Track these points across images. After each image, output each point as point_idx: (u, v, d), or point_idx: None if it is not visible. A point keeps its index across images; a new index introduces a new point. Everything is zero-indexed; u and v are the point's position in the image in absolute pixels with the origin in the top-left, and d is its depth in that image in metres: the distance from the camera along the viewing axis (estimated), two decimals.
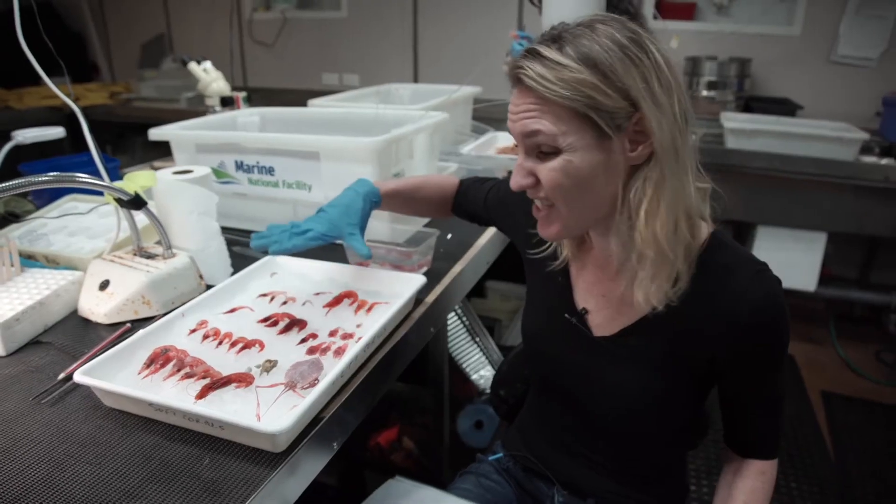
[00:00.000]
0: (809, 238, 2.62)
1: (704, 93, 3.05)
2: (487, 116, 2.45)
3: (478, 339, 1.96)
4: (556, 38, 0.76)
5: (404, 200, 1.20)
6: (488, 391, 1.86)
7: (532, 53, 0.77)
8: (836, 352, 2.95)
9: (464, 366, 1.93)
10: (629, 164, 0.79)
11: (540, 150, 0.79)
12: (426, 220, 1.55)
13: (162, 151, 1.99)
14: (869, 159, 2.47)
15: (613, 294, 0.92)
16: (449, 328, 1.89)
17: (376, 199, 1.12)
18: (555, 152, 0.78)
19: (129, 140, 3.83)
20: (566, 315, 0.98)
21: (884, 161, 2.45)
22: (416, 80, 4.01)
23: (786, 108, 2.97)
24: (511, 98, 0.82)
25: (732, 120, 2.68)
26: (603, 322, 0.94)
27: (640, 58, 0.74)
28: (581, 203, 0.81)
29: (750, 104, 3.09)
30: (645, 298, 0.82)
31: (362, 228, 1.08)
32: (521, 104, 0.79)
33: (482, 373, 1.95)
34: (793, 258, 2.66)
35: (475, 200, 1.20)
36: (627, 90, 0.74)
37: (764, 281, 0.82)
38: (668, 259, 0.80)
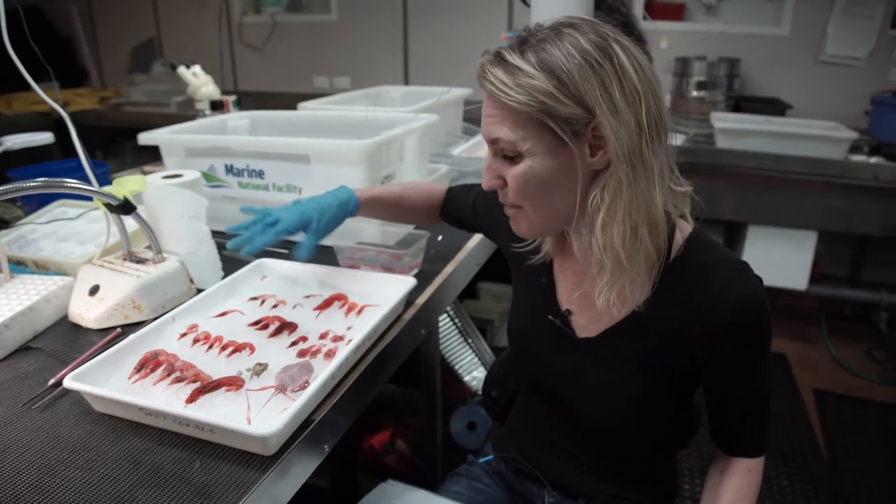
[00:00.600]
0: (800, 237, 2.63)
1: (694, 93, 3.07)
2: (478, 118, 2.44)
3: (470, 341, 1.96)
4: (522, 42, 0.77)
5: (387, 207, 1.20)
6: (481, 392, 1.86)
7: (497, 58, 0.77)
8: (827, 350, 2.97)
9: (456, 367, 1.93)
10: (590, 168, 0.78)
11: (504, 153, 0.80)
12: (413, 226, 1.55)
13: (152, 155, 1.98)
14: (858, 158, 2.48)
15: (594, 294, 0.92)
16: (441, 330, 1.89)
17: (352, 208, 1.14)
18: (517, 156, 0.79)
19: (119, 144, 3.82)
20: (550, 316, 0.98)
21: (873, 160, 2.46)
22: (406, 82, 4.01)
23: (775, 107, 2.98)
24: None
25: (722, 120, 2.69)
26: (586, 323, 0.95)
27: (600, 63, 0.73)
28: (543, 206, 0.82)
29: (740, 104, 3.10)
30: (605, 305, 0.83)
31: (324, 232, 1.10)
32: (486, 108, 0.80)
33: (475, 374, 1.95)
34: (784, 257, 2.67)
35: (463, 206, 1.20)
36: (582, 97, 0.73)
37: (744, 280, 0.82)
38: (625, 267, 0.80)
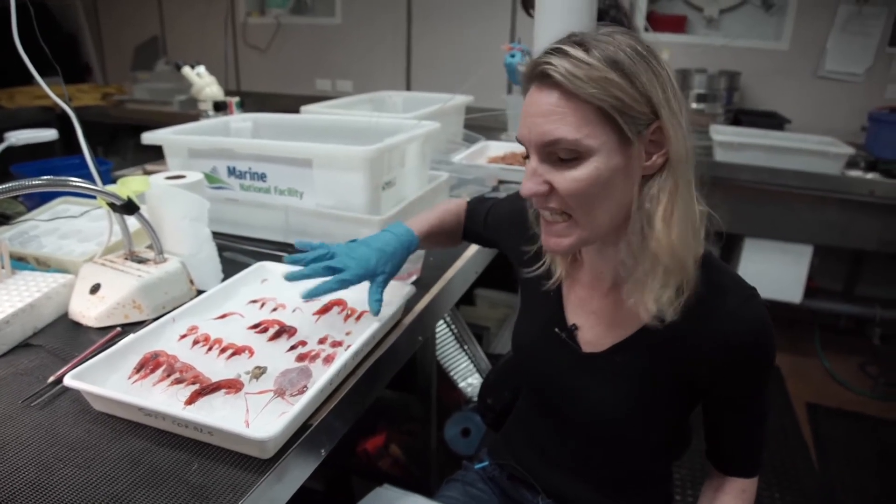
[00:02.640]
0: (796, 250, 2.65)
1: (694, 105, 3.09)
2: (479, 125, 2.47)
3: (466, 347, 1.97)
4: (580, 41, 0.75)
5: (435, 237, 1.16)
6: (476, 399, 1.87)
7: (558, 52, 0.75)
8: (821, 363, 2.98)
9: (451, 373, 1.94)
10: (643, 173, 0.78)
11: (558, 156, 0.77)
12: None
13: (154, 154, 1.99)
14: (854, 173, 2.50)
15: (604, 311, 0.93)
16: (437, 336, 1.90)
17: (414, 244, 1.07)
18: (574, 158, 0.76)
19: (121, 142, 3.82)
20: (556, 329, 0.98)
21: (869, 175, 2.48)
22: (408, 88, 4.02)
23: (774, 121, 3.00)
24: (527, 99, 0.79)
25: (721, 133, 2.71)
26: (593, 339, 0.94)
27: (658, 70, 0.75)
28: (599, 211, 0.79)
29: (739, 117, 3.12)
30: (657, 306, 0.80)
31: (390, 276, 1.03)
32: (544, 103, 0.76)
33: (470, 380, 1.96)
34: (779, 270, 2.68)
35: (477, 221, 1.18)
36: (650, 97, 0.74)
37: (754, 306, 0.83)
38: (681, 267, 0.79)
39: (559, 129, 0.75)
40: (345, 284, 0.97)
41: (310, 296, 0.96)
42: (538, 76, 0.77)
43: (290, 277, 0.97)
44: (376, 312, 0.99)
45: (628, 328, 0.89)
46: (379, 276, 1.01)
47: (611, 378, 0.92)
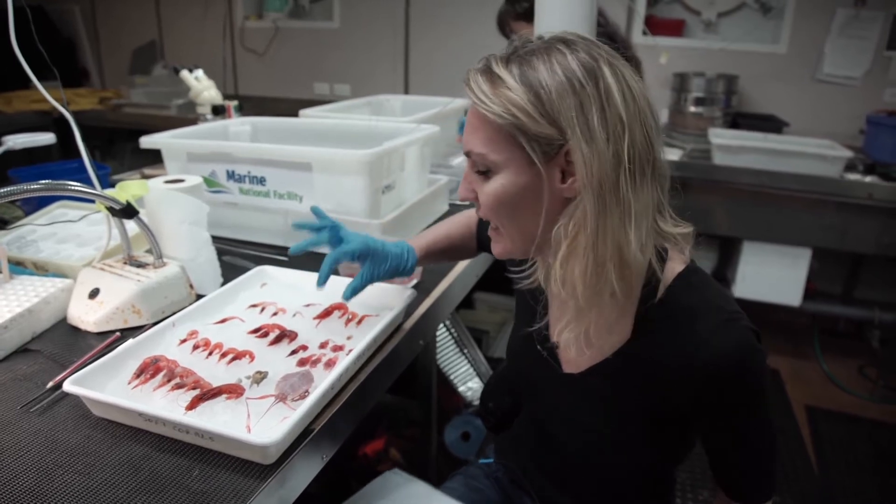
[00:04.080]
0: (795, 253, 2.65)
1: (692, 108, 3.09)
2: None
3: (466, 351, 1.96)
4: (511, 53, 0.74)
5: (443, 252, 1.16)
6: (475, 403, 1.86)
7: (484, 66, 0.75)
8: (820, 366, 2.98)
9: (452, 378, 1.94)
10: (560, 195, 0.75)
11: (477, 167, 0.78)
12: (415, 233, 1.55)
13: (152, 158, 1.99)
14: (853, 177, 2.50)
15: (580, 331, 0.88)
16: (437, 340, 1.89)
17: (412, 257, 1.06)
18: (488, 171, 0.77)
19: (118, 146, 3.82)
20: (538, 346, 0.95)
21: (867, 178, 2.49)
22: (406, 91, 4.02)
23: (772, 124, 3.01)
24: None
25: (719, 136, 2.71)
26: (572, 359, 0.91)
27: (583, 85, 0.69)
28: (513, 227, 0.80)
29: (737, 120, 3.12)
30: (569, 344, 0.79)
31: (376, 276, 1.02)
32: (468, 116, 0.78)
33: (470, 384, 1.96)
34: (778, 273, 2.69)
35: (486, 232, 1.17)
36: (557, 117, 0.70)
37: (732, 330, 0.76)
38: (584, 308, 0.77)
39: (471, 142, 0.77)
40: (340, 256, 0.98)
41: (297, 251, 0.99)
42: (465, 88, 0.77)
43: (295, 249, 1.00)
44: (347, 298, 0.99)
45: (604, 351, 0.86)
46: (366, 267, 1.01)
47: (588, 400, 0.90)
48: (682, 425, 0.88)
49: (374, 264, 1.01)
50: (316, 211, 1.05)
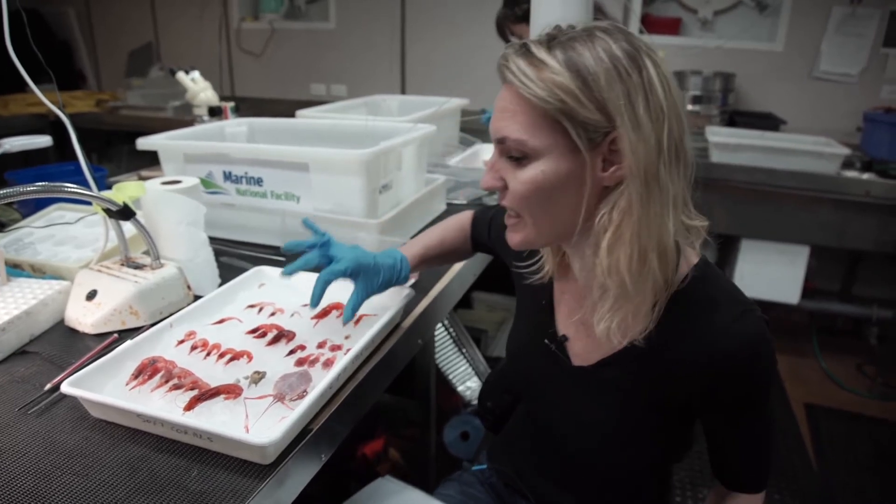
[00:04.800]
0: (793, 251, 2.65)
1: (689, 107, 3.09)
2: (475, 128, 2.47)
3: (464, 351, 1.96)
4: (551, 37, 0.73)
5: (436, 257, 1.16)
6: (474, 402, 1.86)
7: (522, 48, 0.74)
8: (818, 364, 2.98)
9: (450, 377, 1.93)
10: (601, 184, 0.74)
11: (510, 153, 0.76)
12: (413, 232, 1.55)
13: (149, 160, 1.99)
14: (850, 174, 2.50)
15: (590, 323, 0.87)
16: (436, 339, 1.89)
17: (405, 267, 1.06)
18: (524, 157, 0.75)
19: (115, 148, 3.81)
20: (546, 340, 0.95)
21: (865, 176, 2.49)
22: (403, 92, 4.03)
23: (769, 122, 3.01)
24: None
25: (717, 134, 2.71)
26: (581, 351, 0.92)
27: (629, 73, 0.70)
28: (545, 216, 0.78)
29: (734, 118, 3.13)
30: (605, 333, 0.79)
31: (371, 290, 1.01)
32: (501, 100, 0.76)
33: (468, 384, 1.95)
34: (776, 271, 2.69)
35: (482, 232, 1.16)
36: (605, 104, 0.70)
37: (748, 321, 0.78)
38: (630, 294, 0.75)
39: (508, 128, 0.75)
40: (331, 274, 0.96)
41: (288, 273, 0.98)
42: (499, 72, 0.76)
43: (287, 272, 0.98)
44: (347, 320, 0.97)
45: (615, 343, 0.84)
46: (360, 285, 0.99)
47: (599, 393, 0.89)
48: (689, 418, 0.89)
49: (367, 280, 0.99)
50: (308, 224, 1.04)
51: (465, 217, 1.20)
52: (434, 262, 1.17)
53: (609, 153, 0.73)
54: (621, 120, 0.70)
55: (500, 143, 0.77)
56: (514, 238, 0.83)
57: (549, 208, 0.77)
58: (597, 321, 0.80)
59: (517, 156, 0.76)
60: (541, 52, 0.72)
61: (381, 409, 1.83)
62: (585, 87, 0.70)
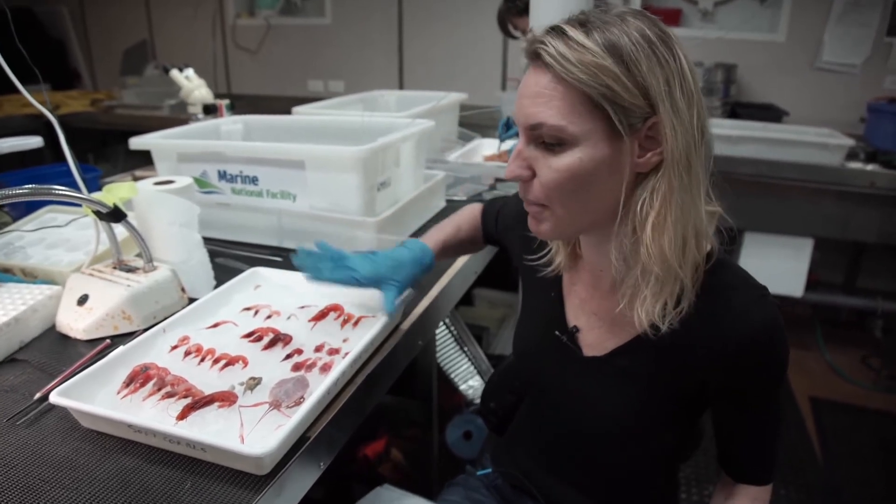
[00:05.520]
0: (796, 244, 2.63)
1: None
2: (474, 123, 2.45)
3: (466, 349, 1.94)
4: (584, 21, 0.71)
5: (453, 248, 1.15)
6: (477, 401, 1.84)
7: (556, 31, 0.71)
8: (822, 357, 2.96)
9: (452, 376, 1.91)
10: (636, 170, 0.73)
11: (543, 140, 0.73)
12: (412, 230, 1.53)
13: (144, 160, 1.96)
14: (854, 165, 2.48)
15: (605, 312, 0.88)
16: (437, 338, 1.87)
17: (428, 262, 1.05)
18: (558, 144, 0.72)
19: (111, 148, 3.78)
20: (557, 332, 0.94)
21: (869, 167, 2.46)
22: (401, 87, 4.00)
23: (772, 113, 2.99)
24: (523, 79, 0.75)
25: (719, 126, 2.68)
26: (594, 342, 0.91)
27: (666, 59, 0.69)
28: (578, 204, 0.76)
29: (736, 110, 3.10)
30: (648, 317, 0.77)
31: (402, 288, 1.01)
32: (534, 84, 0.73)
33: (471, 383, 1.93)
34: (780, 264, 2.67)
35: (490, 223, 1.14)
36: (648, 89, 0.69)
37: (764, 306, 0.78)
38: (674, 277, 0.75)
39: (543, 113, 0.72)
40: (350, 282, 0.98)
41: (311, 278, 0.99)
42: (532, 56, 0.74)
43: (298, 262, 1.00)
44: (390, 313, 0.99)
45: (631, 330, 0.85)
46: (389, 282, 0.99)
47: (613, 383, 0.88)
48: (701, 407, 0.89)
49: (390, 280, 1.00)
50: (319, 246, 1.03)
51: (476, 208, 1.19)
52: (451, 252, 1.16)
53: (645, 139, 0.72)
54: (663, 105, 0.69)
55: (533, 129, 0.74)
56: (542, 228, 0.81)
57: (583, 196, 0.75)
58: (639, 306, 0.78)
59: (552, 142, 0.73)
60: (578, 35, 0.70)
61: (382, 410, 1.80)
62: (628, 72, 0.69)
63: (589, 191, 0.74)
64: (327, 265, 0.99)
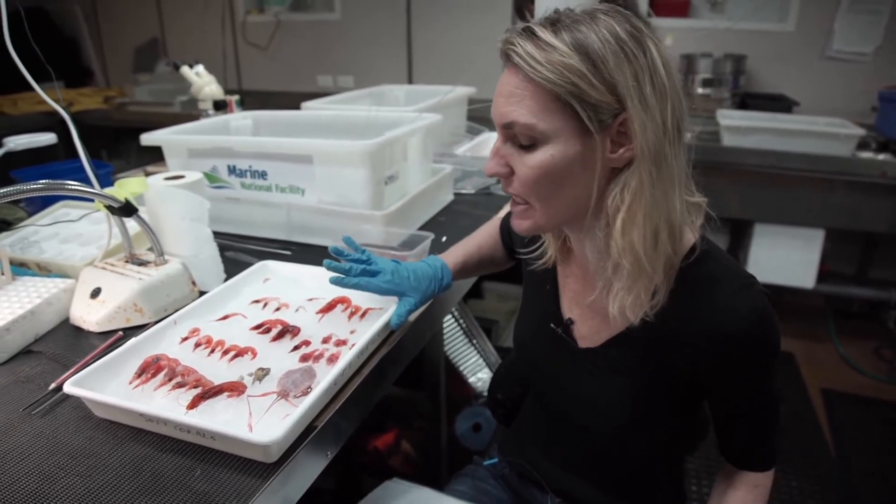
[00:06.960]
0: (807, 235, 2.62)
1: (700, 90, 3.05)
2: (482, 117, 2.45)
3: (475, 342, 1.95)
4: (554, 20, 0.73)
5: (476, 265, 1.16)
6: (486, 394, 1.85)
7: (526, 32, 0.73)
8: (835, 349, 2.95)
9: (461, 368, 1.92)
10: (609, 165, 0.75)
11: (517, 139, 0.76)
12: (419, 223, 1.54)
13: (156, 155, 1.97)
14: (866, 155, 2.46)
15: (598, 304, 0.88)
16: (445, 331, 1.88)
17: (447, 282, 1.07)
18: (531, 143, 0.74)
19: (124, 144, 3.82)
20: (552, 325, 0.96)
21: (881, 156, 2.44)
22: (410, 81, 4.00)
23: (782, 104, 2.97)
24: (500, 78, 0.77)
25: (728, 117, 2.67)
26: (588, 333, 0.92)
27: (635, 54, 0.70)
28: (554, 200, 0.78)
29: (746, 101, 3.08)
30: (620, 311, 0.79)
31: (418, 304, 1.03)
32: (507, 84, 0.75)
33: (479, 375, 1.94)
34: (791, 255, 2.65)
35: (506, 236, 1.15)
36: (615, 86, 0.70)
37: (750, 295, 0.78)
38: (645, 272, 0.76)
39: (515, 112, 0.74)
40: (372, 288, 1.00)
41: (335, 281, 1.00)
42: (504, 56, 0.75)
43: (333, 280, 1.01)
44: (396, 325, 1.00)
45: (623, 322, 0.85)
46: (408, 296, 1.02)
47: (607, 373, 0.90)
48: (698, 396, 0.89)
49: (410, 293, 1.02)
50: (348, 241, 1.06)
51: (496, 224, 1.20)
52: (473, 270, 1.17)
53: (617, 135, 0.73)
54: (631, 101, 0.70)
55: (507, 128, 0.76)
56: (523, 224, 0.83)
57: (558, 192, 0.77)
58: (611, 300, 0.80)
59: (526, 142, 0.75)
60: (547, 35, 0.71)
61: (391, 402, 1.82)
62: (595, 69, 0.70)
63: (563, 186, 0.76)
64: (354, 270, 1.00)
